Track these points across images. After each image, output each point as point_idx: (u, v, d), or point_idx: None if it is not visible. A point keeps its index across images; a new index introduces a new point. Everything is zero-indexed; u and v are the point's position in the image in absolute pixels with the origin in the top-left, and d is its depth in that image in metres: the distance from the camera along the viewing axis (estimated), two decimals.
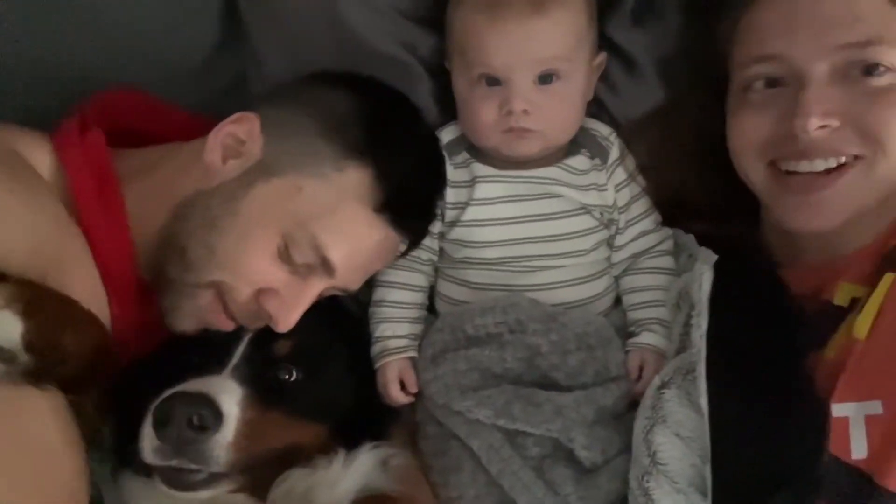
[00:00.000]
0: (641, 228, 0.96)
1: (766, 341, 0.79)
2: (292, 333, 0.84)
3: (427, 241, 0.96)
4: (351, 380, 0.90)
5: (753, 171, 0.88)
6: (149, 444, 0.74)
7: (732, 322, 0.80)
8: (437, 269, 0.99)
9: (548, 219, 0.92)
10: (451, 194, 0.94)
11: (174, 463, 0.73)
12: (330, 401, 0.85)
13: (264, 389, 0.79)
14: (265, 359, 0.82)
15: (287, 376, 0.83)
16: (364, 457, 0.82)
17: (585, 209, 0.93)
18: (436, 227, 0.95)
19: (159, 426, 0.72)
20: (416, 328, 0.96)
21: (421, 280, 0.98)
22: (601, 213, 0.94)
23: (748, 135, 0.87)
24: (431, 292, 1.00)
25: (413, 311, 0.96)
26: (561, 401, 0.85)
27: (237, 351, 0.82)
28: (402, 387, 0.91)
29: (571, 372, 0.87)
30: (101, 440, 0.78)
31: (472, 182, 0.93)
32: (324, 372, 0.86)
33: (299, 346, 0.84)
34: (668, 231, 0.98)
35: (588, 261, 0.95)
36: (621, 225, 0.95)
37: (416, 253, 0.96)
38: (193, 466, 0.73)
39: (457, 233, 0.94)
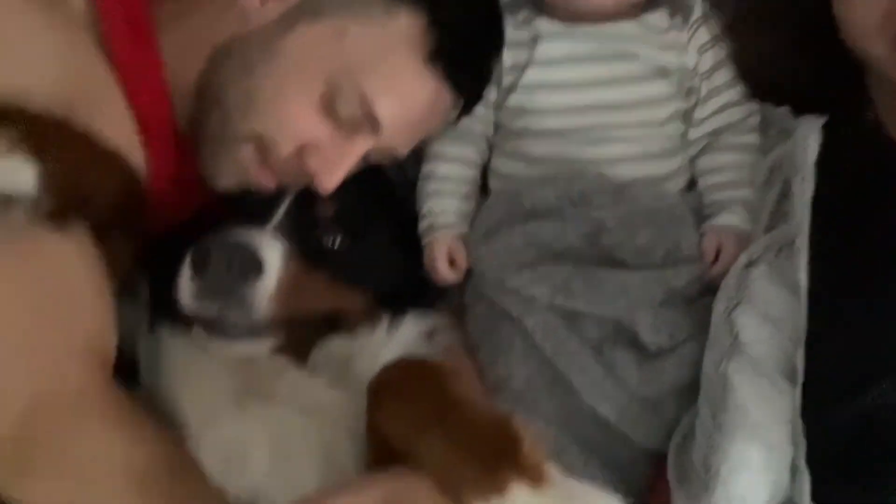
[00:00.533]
0: (726, 100, 0.85)
1: (877, 211, 0.69)
2: (336, 197, 0.78)
3: (481, 111, 0.87)
4: (395, 253, 0.84)
5: (874, 46, 0.76)
6: (187, 287, 0.68)
7: (838, 191, 0.69)
8: (490, 146, 0.90)
9: (619, 84, 0.82)
10: (508, 56, 0.84)
11: (213, 310, 0.68)
12: (373, 271, 0.79)
13: (307, 251, 0.73)
14: (308, 220, 0.76)
15: (330, 241, 0.77)
16: (408, 325, 0.76)
17: (663, 73, 0.83)
18: (491, 94, 0.86)
19: (197, 268, 0.66)
20: (467, 205, 0.88)
21: (473, 154, 0.89)
22: (680, 80, 0.83)
23: (868, 4, 0.75)
24: (484, 173, 0.91)
25: (464, 187, 0.88)
26: (626, 279, 0.77)
27: (279, 210, 0.76)
28: (452, 264, 0.84)
29: (639, 250, 0.79)
30: (137, 293, 0.74)
31: (533, 41, 0.83)
32: (367, 241, 0.79)
33: (343, 211, 0.78)
34: (754, 105, 0.86)
35: (661, 134, 0.85)
36: (703, 94, 0.85)
37: (469, 124, 0.87)
38: (233, 315, 0.68)
39: (515, 100, 0.85)
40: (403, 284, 0.82)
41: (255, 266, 0.67)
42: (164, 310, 0.73)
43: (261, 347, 0.71)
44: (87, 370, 0.64)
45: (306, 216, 0.77)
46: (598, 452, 0.77)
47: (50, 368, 0.62)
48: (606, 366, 0.77)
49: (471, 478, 0.54)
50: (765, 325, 0.70)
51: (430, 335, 0.77)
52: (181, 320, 0.71)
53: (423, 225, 0.87)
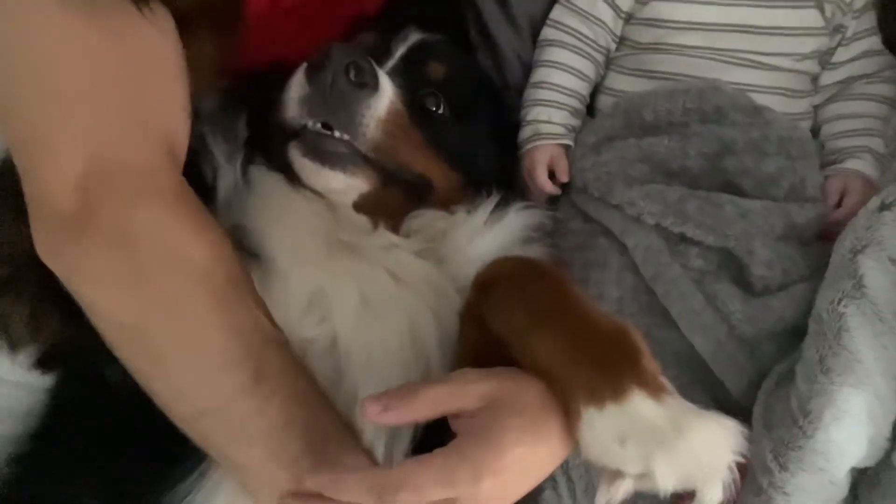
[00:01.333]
0: (867, 46, 0.80)
1: None
2: (447, 63, 0.76)
3: (609, 20, 0.83)
4: (492, 146, 0.80)
5: None
6: (297, 92, 0.65)
7: None
8: (608, 62, 0.86)
9: (769, 5, 0.77)
10: None
11: (320, 118, 0.64)
12: (468, 153, 0.76)
13: (411, 105, 0.71)
14: (418, 76, 0.74)
15: (434, 107, 0.74)
16: (512, 217, 0.72)
17: (817, 2, 0.78)
18: (625, 3, 0.82)
19: (313, 72, 0.63)
20: (574, 120, 0.84)
21: (589, 69, 0.85)
22: (833, 12, 0.78)
23: None
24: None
25: (574, 100, 0.84)
26: (747, 205, 0.72)
27: (395, 54, 0.75)
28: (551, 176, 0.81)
29: (763, 180, 0.74)
30: (232, 128, 0.70)
31: None
32: (468, 121, 0.77)
33: (451, 79, 0.76)
34: (892, 58, 0.82)
35: (797, 69, 0.80)
36: (848, 35, 0.80)
37: (592, 33, 0.84)
38: (338, 130, 0.65)
39: (653, 9, 0.80)
40: (495, 181, 0.77)
41: (372, 81, 0.65)
42: (260, 146, 0.70)
43: (354, 186, 0.68)
44: (155, 149, 0.58)
45: (417, 72, 0.75)
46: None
47: (113, 133, 0.56)
48: (708, 296, 0.73)
49: (587, 380, 0.51)
50: (891, 271, 0.66)
51: (531, 234, 0.73)
52: (277, 157, 0.68)
53: (525, 132, 0.83)
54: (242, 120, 0.72)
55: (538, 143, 0.81)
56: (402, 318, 0.64)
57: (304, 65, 0.65)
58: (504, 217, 0.72)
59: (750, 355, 0.73)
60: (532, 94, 0.84)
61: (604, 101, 0.86)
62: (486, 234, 0.71)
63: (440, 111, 0.75)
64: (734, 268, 0.75)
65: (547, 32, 0.86)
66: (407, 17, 0.84)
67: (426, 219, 0.71)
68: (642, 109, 0.78)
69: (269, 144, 0.70)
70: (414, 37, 0.78)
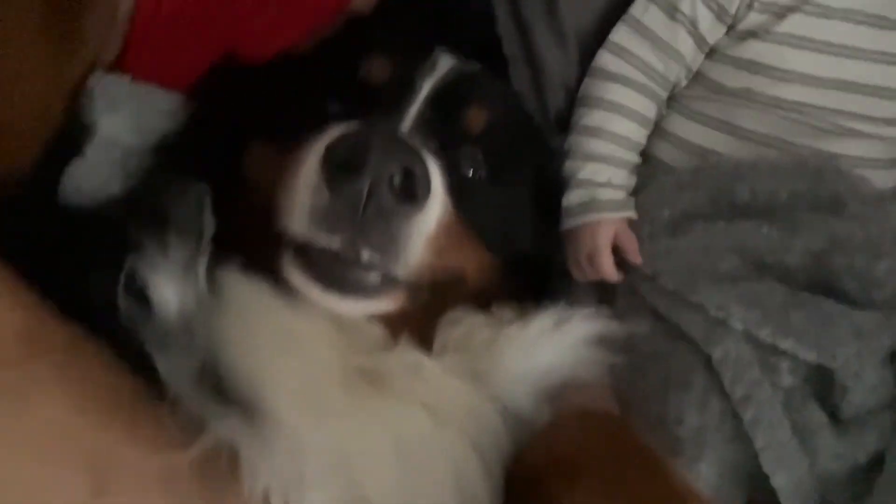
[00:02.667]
0: None
1: None
2: (488, 103, 0.57)
3: (689, 53, 0.65)
4: (531, 214, 0.63)
5: None
6: (308, 196, 0.45)
7: None
8: (670, 98, 0.69)
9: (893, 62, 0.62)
10: None
11: (341, 244, 0.45)
12: (510, 226, 0.59)
13: (444, 170, 0.51)
14: (453, 127, 0.55)
15: (471, 169, 0.56)
16: (577, 325, 0.55)
17: None
18: (714, 30, 0.64)
19: (337, 173, 0.43)
20: (634, 179, 0.67)
21: (653, 111, 0.67)
22: None
23: None
24: None
25: (635, 154, 0.67)
26: (860, 320, 0.59)
27: (420, 92, 0.54)
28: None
29: (870, 282, 0.60)
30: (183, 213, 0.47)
31: None
32: (508, 182, 0.59)
33: (493, 130, 0.57)
34: None
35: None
36: None
37: (664, 67, 0.65)
38: (367, 257, 0.46)
39: (751, 49, 0.63)
40: (534, 261, 0.61)
41: (424, 191, 0.46)
42: (234, 240, 0.49)
43: (377, 309, 0.50)
44: None
45: (450, 120, 0.55)
46: None
47: None
48: (796, 425, 0.60)
49: None
50: None
51: (598, 347, 0.56)
52: (257, 256, 0.48)
53: (576, 196, 0.65)
54: (206, 206, 0.49)
55: (597, 215, 0.63)
56: (445, 464, 0.49)
57: (320, 153, 0.45)
58: (565, 326, 0.55)
59: (822, 493, 0.62)
60: (585, 144, 0.66)
61: (664, 150, 0.69)
62: (541, 347, 0.54)
63: (477, 175, 0.56)
64: (823, 385, 0.62)
65: (606, 60, 0.67)
66: (417, 18, 0.62)
67: (467, 324, 0.54)
68: (735, 185, 0.61)
69: (247, 239, 0.49)
70: (444, 65, 0.57)
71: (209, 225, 0.48)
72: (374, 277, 0.47)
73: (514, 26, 0.66)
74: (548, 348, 0.54)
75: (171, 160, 0.53)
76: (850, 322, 0.59)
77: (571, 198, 0.65)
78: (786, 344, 0.60)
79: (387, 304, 0.50)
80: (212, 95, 0.58)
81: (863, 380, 0.60)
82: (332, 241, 0.45)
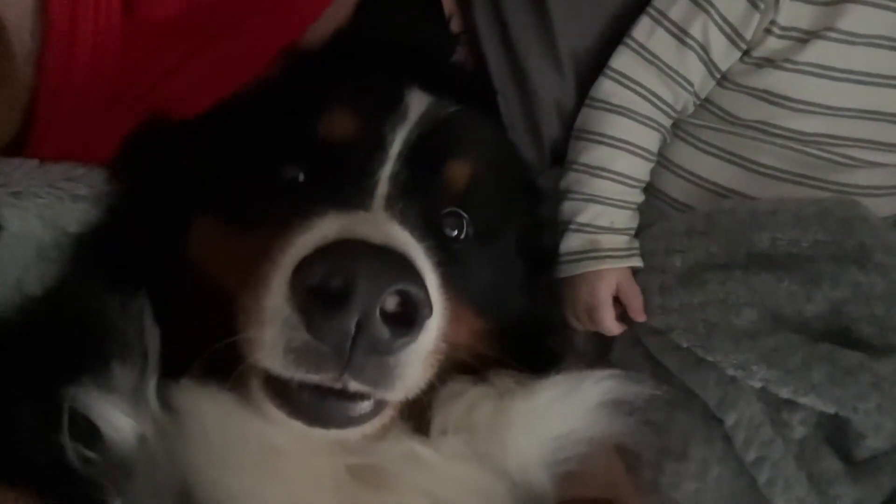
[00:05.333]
0: None
1: None
2: (472, 154, 0.49)
3: (698, 80, 0.58)
4: (520, 268, 0.55)
5: None
6: (277, 333, 0.37)
7: None
8: (674, 125, 0.63)
9: None
10: (792, 11, 0.55)
11: (326, 380, 0.38)
12: (500, 285, 0.52)
13: (433, 248, 0.44)
14: (433, 188, 0.47)
15: (455, 231, 0.48)
16: (590, 388, 0.48)
17: None
18: (727, 56, 0.57)
19: (316, 307, 0.35)
20: (637, 220, 0.61)
21: (657, 141, 0.61)
22: None
23: None
24: None
25: (639, 192, 0.61)
26: (879, 369, 0.56)
27: (392, 147, 0.45)
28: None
29: (890, 327, 0.58)
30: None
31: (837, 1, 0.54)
32: (497, 237, 0.52)
33: (478, 184, 0.49)
34: None
35: None
36: None
37: (672, 96, 0.59)
38: (359, 388, 0.38)
39: (770, 78, 0.57)
40: (530, 319, 0.55)
41: (424, 315, 0.38)
42: (185, 342, 0.41)
43: (373, 428, 0.43)
44: None
45: (429, 179, 0.47)
46: None
47: None
48: (812, 477, 0.58)
49: None
50: None
51: (612, 412, 0.50)
52: (223, 365, 0.40)
53: (574, 241, 0.59)
54: (147, 319, 0.41)
55: (599, 264, 0.58)
56: None
57: (288, 275, 0.37)
58: (577, 391, 0.49)
59: None
60: (585, 184, 0.59)
61: (671, 183, 0.63)
62: (551, 417, 0.48)
63: (463, 235, 0.49)
64: (836, 429, 0.60)
65: (607, 89, 0.60)
66: (381, 52, 0.53)
67: (464, 405, 0.47)
68: (753, 234, 0.56)
69: (200, 339, 0.41)
70: (417, 109, 0.48)
71: (153, 340, 0.41)
72: (365, 406, 0.40)
73: (503, 49, 0.59)
74: (558, 417, 0.48)
75: (98, 256, 0.44)
76: (870, 374, 0.57)
77: (571, 243, 0.59)
78: (806, 400, 0.57)
79: (380, 422, 0.43)
80: (139, 165, 0.49)
81: (882, 430, 0.58)
82: (313, 378, 0.38)
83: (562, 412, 0.48)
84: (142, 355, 0.41)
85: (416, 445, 0.44)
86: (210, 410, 0.40)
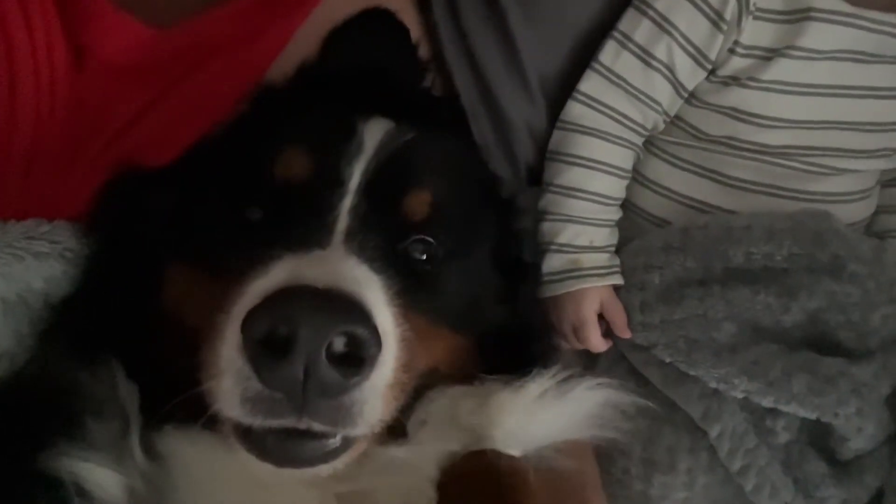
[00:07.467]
0: None
1: None
2: (433, 182, 0.48)
3: (666, 100, 0.59)
4: (497, 282, 0.55)
5: None
6: (233, 384, 0.37)
7: None
8: (646, 142, 0.63)
9: (881, 95, 0.58)
10: (755, 31, 0.56)
11: (288, 423, 0.38)
12: (475, 299, 0.52)
13: (398, 276, 0.44)
14: (393, 218, 0.47)
15: (422, 256, 0.48)
16: (582, 394, 0.48)
17: None
18: (693, 76, 0.58)
19: (264, 358, 0.36)
20: (616, 236, 0.62)
21: (630, 159, 0.62)
22: None
23: None
24: None
25: (615, 210, 0.62)
26: (857, 374, 0.58)
27: (350, 183, 0.45)
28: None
29: (866, 332, 0.59)
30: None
31: (802, 16, 0.55)
32: (467, 254, 0.51)
33: (441, 210, 0.48)
34: None
35: (875, 168, 0.64)
36: None
37: (642, 116, 0.59)
38: (321, 428, 0.39)
39: (736, 96, 0.58)
40: (510, 329, 0.54)
41: (372, 348, 0.38)
42: (165, 390, 0.41)
43: (349, 460, 0.43)
44: None
45: (389, 211, 0.47)
46: None
47: None
48: (798, 481, 0.60)
49: None
50: None
51: (613, 408, 0.50)
52: (203, 408, 0.40)
53: (555, 261, 0.60)
54: (120, 380, 0.42)
55: (581, 283, 0.58)
56: None
57: (237, 330, 0.37)
58: (570, 394, 0.48)
59: None
60: (563, 205, 0.60)
61: (646, 198, 0.64)
62: (543, 412, 0.47)
63: (431, 259, 0.49)
64: (820, 432, 0.61)
65: (577, 112, 0.60)
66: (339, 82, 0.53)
67: (445, 401, 0.47)
68: (729, 249, 0.57)
69: (179, 385, 0.40)
70: (373, 139, 0.48)
71: (130, 396, 0.41)
72: (332, 443, 0.40)
73: (472, 74, 0.59)
74: (547, 418, 0.48)
75: (66, 324, 0.44)
76: (849, 380, 0.58)
77: (552, 263, 0.60)
78: (788, 408, 0.59)
79: (354, 454, 0.43)
80: (112, 217, 0.48)
81: (864, 432, 0.60)
82: (275, 423, 0.38)
83: (552, 414, 0.48)
84: (120, 410, 0.41)
85: (392, 450, 0.44)
86: (194, 452, 0.41)
